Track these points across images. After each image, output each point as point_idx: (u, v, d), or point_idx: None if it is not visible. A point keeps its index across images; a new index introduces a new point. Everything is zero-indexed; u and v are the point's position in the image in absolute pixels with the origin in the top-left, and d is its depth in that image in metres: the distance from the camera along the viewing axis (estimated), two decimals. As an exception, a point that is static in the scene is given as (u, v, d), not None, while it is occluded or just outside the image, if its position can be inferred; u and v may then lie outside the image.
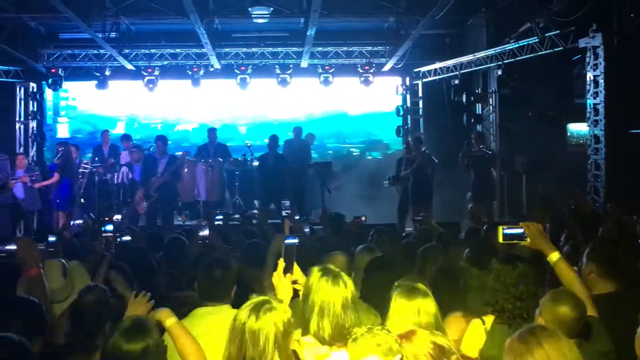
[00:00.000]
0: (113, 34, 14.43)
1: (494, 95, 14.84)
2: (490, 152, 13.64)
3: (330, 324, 3.37)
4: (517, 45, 13.05)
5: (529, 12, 12.33)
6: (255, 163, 14.49)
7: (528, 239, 3.96)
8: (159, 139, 13.36)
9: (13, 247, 4.15)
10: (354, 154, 17.58)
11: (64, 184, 12.72)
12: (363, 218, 8.38)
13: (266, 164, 13.83)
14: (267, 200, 13.29)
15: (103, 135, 14.85)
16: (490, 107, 15.02)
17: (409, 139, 14.67)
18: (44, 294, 3.90)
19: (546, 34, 12.02)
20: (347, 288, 3.46)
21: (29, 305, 3.45)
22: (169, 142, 13.87)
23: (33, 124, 15.98)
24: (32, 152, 15.87)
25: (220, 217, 7.71)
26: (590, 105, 11.39)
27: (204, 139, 15.11)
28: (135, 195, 12.92)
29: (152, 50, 15.38)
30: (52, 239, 5.15)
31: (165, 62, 15.62)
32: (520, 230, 4.00)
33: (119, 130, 16.78)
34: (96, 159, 14.13)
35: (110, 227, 5.45)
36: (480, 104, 15.32)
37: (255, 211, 8.60)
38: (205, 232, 5.69)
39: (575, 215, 6.89)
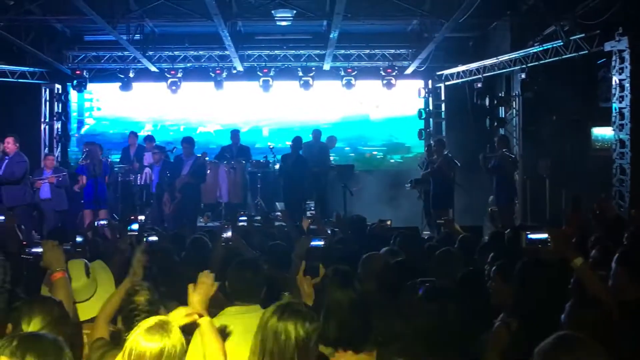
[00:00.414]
0: (137, 36, 14.55)
1: (517, 99, 14.74)
2: (512, 156, 13.56)
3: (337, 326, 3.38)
4: (541, 49, 12.96)
5: (553, 15, 12.24)
6: (277, 166, 14.52)
7: (552, 245, 3.92)
8: (185, 140, 13.38)
9: (39, 249, 4.18)
10: (377, 157, 17.55)
11: (89, 183, 12.80)
12: (388, 222, 8.37)
13: (286, 164, 13.81)
14: (287, 199, 13.28)
15: (130, 137, 14.95)
16: (514, 110, 14.93)
17: (431, 142, 14.62)
18: (68, 297, 3.93)
19: (571, 37, 11.93)
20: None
21: (52, 305, 3.48)
22: (174, 147, 13.86)
23: (58, 125, 16.15)
24: (57, 152, 16.01)
25: (244, 218, 7.73)
26: (615, 109, 11.28)
27: (227, 140, 15.16)
28: (163, 196, 13.00)
29: (176, 53, 15.49)
30: (79, 239, 5.19)
31: (189, 64, 15.71)
32: (544, 236, 3.97)
33: (142, 131, 16.88)
34: (124, 161, 14.26)
35: (135, 227, 5.49)
36: (503, 108, 15.24)
37: (278, 213, 8.61)
38: (228, 234, 5.69)
39: (600, 220, 6.84)
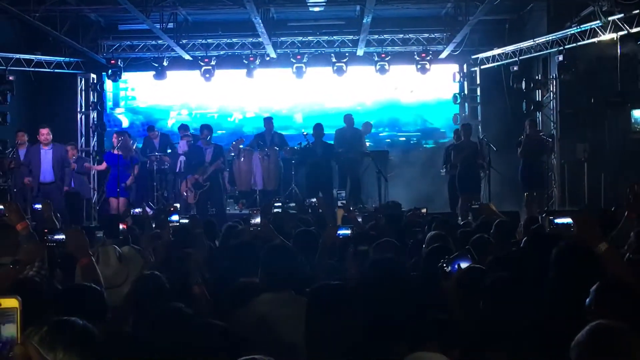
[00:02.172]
0: (170, 25, 14.62)
1: (554, 82, 14.50)
2: (549, 140, 13.40)
3: None
4: (578, 30, 12.72)
5: (591, -5, 12.00)
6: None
7: (575, 230, 3.84)
8: (205, 127, 13.42)
9: (61, 236, 4.17)
10: (411, 142, 17.42)
11: (114, 173, 12.97)
12: (423, 210, 8.30)
13: (314, 154, 13.72)
14: (315, 190, 13.21)
15: (149, 132, 14.96)
16: (551, 93, 14.69)
17: (458, 127, 14.45)
18: (97, 282, 3.94)
19: (609, 18, 11.67)
20: None
21: (89, 292, 3.50)
22: (222, 132, 13.88)
23: (93, 115, 16.32)
24: (93, 142, 16.21)
25: (279, 204, 7.72)
26: (656, 91, 11.03)
27: (260, 128, 15.17)
28: (179, 186, 13.07)
29: (209, 40, 15.51)
30: (122, 226, 5.26)
31: (222, 52, 15.73)
32: (568, 220, 3.90)
33: (176, 119, 17.00)
34: (147, 150, 14.37)
35: (176, 217, 5.50)
36: (540, 91, 15.00)
37: (314, 200, 8.60)
38: (257, 220, 5.67)
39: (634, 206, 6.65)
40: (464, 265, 3.79)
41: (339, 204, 8.57)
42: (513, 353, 3.03)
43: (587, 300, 3.07)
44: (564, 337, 2.53)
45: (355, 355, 3.09)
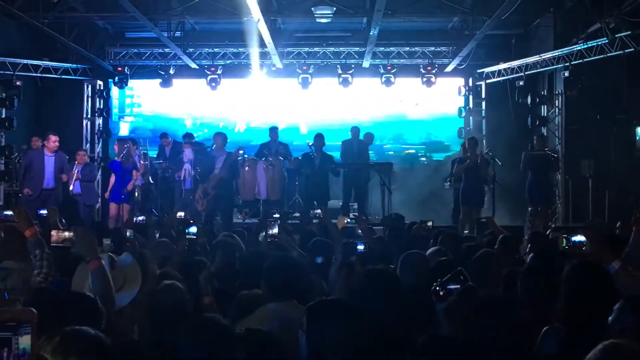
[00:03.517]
0: (178, 33, 14.67)
1: (560, 97, 14.51)
2: (554, 156, 13.38)
3: None
4: (585, 47, 12.74)
5: (598, 12, 11.99)
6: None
7: (588, 247, 3.83)
8: (217, 135, 13.42)
9: (70, 234, 4.14)
10: (416, 155, 17.44)
11: (118, 178, 12.99)
12: (429, 223, 8.29)
13: (312, 164, 13.73)
14: (311, 200, 13.20)
15: (162, 139, 15.02)
16: (556, 109, 14.70)
17: (464, 140, 14.47)
18: (108, 286, 3.90)
19: (616, 35, 11.69)
20: None
21: (84, 301, 3.48)
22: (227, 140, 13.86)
23: (99, 121, 16.36)
24: (98, 148, 16.23)
25: (277, 216, 7.71)
26: (662, 108, 11.04)
27: (265, 138, 15.18)
28: (195, 193, 13.06)
29: (215, 49, 15.56)
30: (129, 234, 5.24)
31: (228, 61, 15.77)
32: (582, 238, 3.90)
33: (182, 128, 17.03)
34: (160, 158, 14.40)
35: (194, 230, 5.48)
36: (545, 106, 15.02)
37: (318, 211, 8.60)
38: (275, 231, 5.70)
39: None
40: (455, 287, 3.79)
41: (351, 215, 8.56)
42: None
43: (610, 318, 3.05)
44: (579, 353, 2.52)
45: None
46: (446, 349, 2.94)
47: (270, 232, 5.71)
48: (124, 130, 17.49)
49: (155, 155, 14.93)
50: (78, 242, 3.97)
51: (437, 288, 3.78)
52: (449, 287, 3.75)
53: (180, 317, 3.67)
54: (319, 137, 13.88)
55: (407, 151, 17.43)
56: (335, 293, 4.28)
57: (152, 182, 14.10)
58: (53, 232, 4.16)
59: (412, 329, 3.56)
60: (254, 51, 14.23)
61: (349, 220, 7.78)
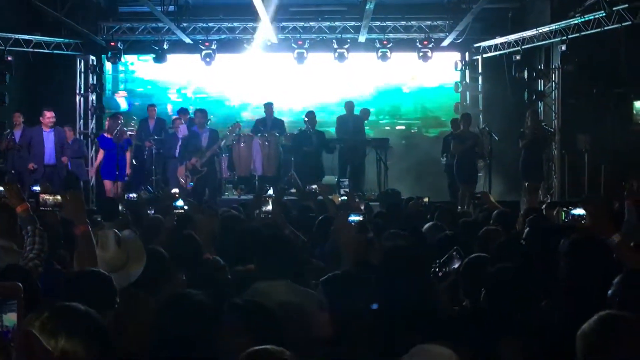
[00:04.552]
0: (171, 8, 14.49)
1: (556, 71, 14.42)
2: (550, 130, 13.33)
3: None
4: (582, 20, 12.62)
5: (596, -16, 11.90)
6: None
7: (588, 221, 3.79)
8: (198, 111, 13.36)
9: (58, 199, 4.05)
10: (412, 130, 17.36)
11: (111, 155, 12.94)
12: (425, 199, 8.25)
13: (305, 142, 13.63)
14: (306, 178, 13.16)
15: (149, 110, 14.99)
16: (553, 83, 14.62)
17: (458, 116, 14.38)
18: (93, 253, 3.86)
19: (614, 8, 11.58)
20: None
21: (97, 278, 3.44)
22: (211, 117, 13.78)
23: (93, 97, 16.19)
24: (92, 124, 16.10)
25: (271, 192, 7.67)
26: (660, 82, 10.97)
27: (260, 113, 15.09)
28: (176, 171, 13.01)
29: (210, 24, 15.39)
30: (122, 208, 5.19)
31: (223, 36, 15.61)
32: (581, 211, 3.86)
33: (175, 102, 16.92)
34: (142, 133, 14.30)
35: (181, 204, 5.44)
36: (542, 80, 14.93)
37: (314, 187, 8.57)
38: (269, 208, 5.65)
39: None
40: (454, 266, 3.76)
41: (342, 192, 8.52)
42: (527, 342, 2.98)
43: (610, 291, 3.02)
44: (577, 327, 2.48)
45: (370, 343, 3.06)
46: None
47: (264, 208, 5.66)
48: (123, 106, 17.32)
49: (135, 132, 14.84)
50: (67, 207, 3.91)
51: (437, 269, 3.76)
52: (449, 266, 3.73)
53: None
54: (312, 114, 13.82)
55: (403, 126, 17.34)
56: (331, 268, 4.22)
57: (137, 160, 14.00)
58: (42, 196, 4.09)
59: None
60: (264, 22, 13.91)
61: (342, 199, 7.74)
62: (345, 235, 4.19)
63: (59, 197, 4.00)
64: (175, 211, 5.31)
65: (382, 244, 4.67)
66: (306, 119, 13.88)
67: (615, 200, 7.45)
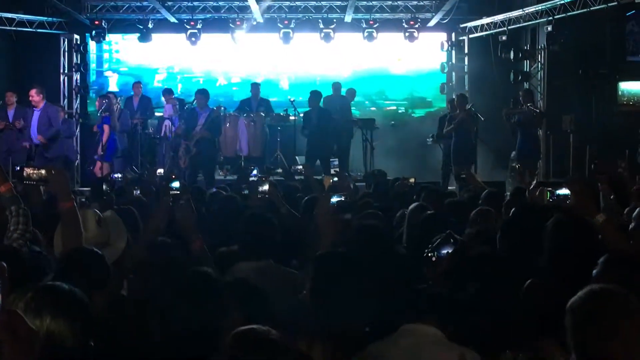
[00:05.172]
0: (156, -14, 14.35)
1: (542, 52, 14.44)
2: (537, 111, 13.33)
3: None
4: (568, 0, 12.62)
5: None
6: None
7: (572, 201, 3.82)
8: (199, 92, 13.26)
9: (42, 171, 3.97)
10: (398, 111, 17.34)
11: (112, 136, 12.88)
12: (411, 180, 8.25)
13: (310, 122, 13.56)
14: (313, 157, 13.16)
15: (134, 87, 14.90)
16: (539, 64, 14.64)
17: (453, 96, 14.39)
18: (78, 230, 3.83)
19: (600, -12, 11.60)
20: None
21: (89, 257, 3.42)
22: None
23: (77, 76, 16.04)
24: (76, 104, 15.97)
25: (255, 172, 7.66)
26: (645, 63, 11.01)
27: (247, 93, 15.02)
28: (178, 149, 12.94)
29: (195, 3, 15.26)
30: (106, 187, 5.15)
31: (208, 15, 15.49)
32: (566, 192, 3.88)
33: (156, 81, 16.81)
34: (128, 112, 14.22)
35: (177, 185, 5.40)
36: (528, 61, 14.94)
37: (300, 167, 8.55)
38: (265, 187, 5.64)
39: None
40: (447, 251, 3.75)
41: (332, 172, 8.53)
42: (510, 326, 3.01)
43: (595, 271, 3.04)
44: (563, 307, 2.50)
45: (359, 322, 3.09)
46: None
47: (260, 188, 5.65)
48: (112, 85, 17.15)
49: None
50: (52, 181, 3.87)
51: (430, 254, 3.74)
52: (441, 251, 3.72)
53: (169, 274, 3.65)
54: (316, 94, 13.61)
55: (389, 107, 17.32)
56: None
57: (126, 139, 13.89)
58: (26, 169, 4.05)
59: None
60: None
61: (334, 180, 7.73)
62: (323, 216, 4.20)
63: (43, 171, 3.95)
64: (171, 192, 5.27)
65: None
66: (292, 99, 13.84)
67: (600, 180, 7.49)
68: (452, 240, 3.79)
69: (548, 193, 4.00)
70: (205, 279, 3.05)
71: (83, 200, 5.04)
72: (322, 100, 14.04)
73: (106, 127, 13.02)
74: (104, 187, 6.23)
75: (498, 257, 3.74)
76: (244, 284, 3.20)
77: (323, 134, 13.37)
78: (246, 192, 6.61)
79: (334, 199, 4.73)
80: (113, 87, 16.98)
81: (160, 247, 4.08)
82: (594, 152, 12.64)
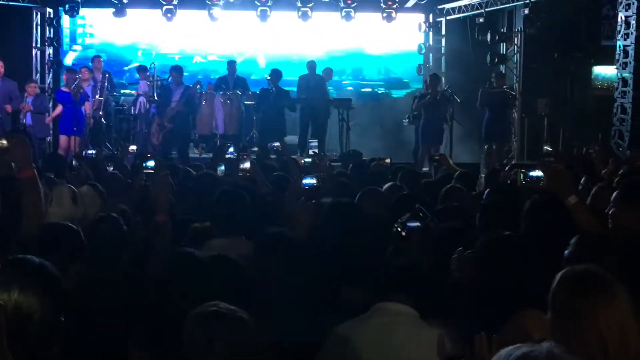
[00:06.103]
0: (131, -41, 14.13)
1: (519, 35, 14.48)
2: (512, 93, 13.41)
3: None
4: (546, -17, 12.66)
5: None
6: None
7: (545, 183, 3.85)
8: (174, 69, 13.23)
9: (4, 143, 3.87)
10: (375, 91, 17.32)
11: (68, 109, 12.73)
12: (387, 160, 8.25)
13: (267, 101, 13.53)
14: (267, 136, 13.09)
15: (94, 61, 14.52)
16: (515, 47, 14.68)
17: (426, 77, 14.41)
18: (40, 198, 3.75)
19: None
20: None
21: (65, 232, 3.38)
22: (186, 74, 13.66)
23: (49, 51, 15.76)
24: (49, 79, 15.72)
25: (232, 150, 7.61)
26: (619, 47, 11.11)
27: (223, 71, 14.90)
28: (151, 126, 12.84)
29: (171, -22, 15.04)
30: (75, 162, 5.08)
31: (184, -9, 15.29)
32: (539, 173, 3.92)
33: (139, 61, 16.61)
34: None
35: (151, 164, 5.33)
36: (504, 44, 14.98)
37: (276, 144, 8.50)
38: (247, 165, 5.60)
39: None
40: (416, 224, 3.76)
41: (310, 152, 8.46)
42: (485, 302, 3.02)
43: (567, 252, 3.06)
44: (537, 287, 2.52)
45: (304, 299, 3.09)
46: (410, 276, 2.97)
47: (242, 166, 5.61)
48: (68, 60, 16.86)
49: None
50: (12, 150, 3.81)
51: (399, 228, 3.75)
52: (409, 225, 3.72)
53: (119, 249, 3.64)
54: (276, 72, 13.68)
55: (365, 88, 17.30)
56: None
57: (102, 114, 13.70)
58: None
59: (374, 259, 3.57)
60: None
61: (306, 160, 7.67)
62: (292, 205, 4.20)
63: (4, 141, 3.87)
64: (144, 171, 5.21)
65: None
66: (268, 77, 13.74)
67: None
68: (421, 214, 3.80)
69: (522, 175, 4.03)
70: (189, 258, 3.04)
71: (52, 176, 4.94)
72: (297, 79, 14.00)
73: (87, 104, 12.88)
74: (74, 162, 6.12)
75: (469, 232, 3.75)
76: (225, 261, 3.19)
77: (278, 114, 13.47)
78: (222, 168, 6.55)
79: (307, 181, 4.68)
80: (69, 62, 16.67)
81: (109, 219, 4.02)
82: (567, 133, 12.76)
